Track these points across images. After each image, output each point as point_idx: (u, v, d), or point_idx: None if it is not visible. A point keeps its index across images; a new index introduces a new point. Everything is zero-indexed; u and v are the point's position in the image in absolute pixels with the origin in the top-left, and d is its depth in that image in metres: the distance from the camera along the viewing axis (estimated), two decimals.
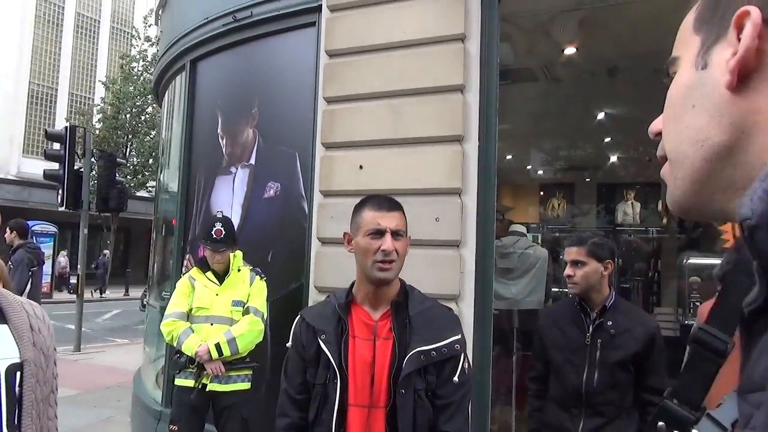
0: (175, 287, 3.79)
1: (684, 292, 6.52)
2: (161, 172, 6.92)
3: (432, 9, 3.43)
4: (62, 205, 9.78)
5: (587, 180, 9.58)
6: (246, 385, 3.53)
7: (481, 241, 3.30)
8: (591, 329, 2.43)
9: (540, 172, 9.50)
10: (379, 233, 1.72)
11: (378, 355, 1.71)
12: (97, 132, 20.06)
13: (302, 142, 3.97)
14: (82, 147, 10.46)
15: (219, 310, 3.49)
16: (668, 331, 6.16)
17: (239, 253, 3.64)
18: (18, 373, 1.08)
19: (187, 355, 3.42)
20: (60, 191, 9.76)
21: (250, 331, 3.43)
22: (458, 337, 1.75)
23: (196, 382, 3.45)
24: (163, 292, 5.50)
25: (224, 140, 4.63)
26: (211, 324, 3.47)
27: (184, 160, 5.06)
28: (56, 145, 10.08)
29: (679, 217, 0.59)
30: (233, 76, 4.73)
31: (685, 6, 0.62)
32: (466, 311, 3.17)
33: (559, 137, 8.12)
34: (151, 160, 20.28)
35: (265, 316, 3.53)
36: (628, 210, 8.80)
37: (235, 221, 4.03)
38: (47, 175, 10.03)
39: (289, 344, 1.84)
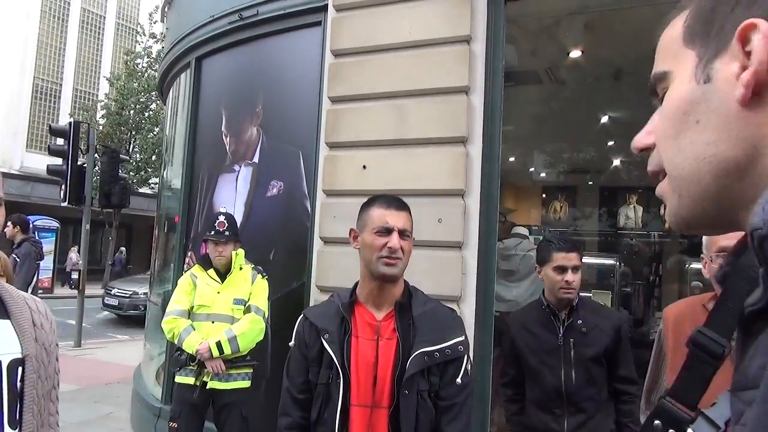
0: (176, 284, 3.80)
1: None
2: (164, 169, 6.93)
3: (438, 10, 3.43)
4: (65, 201, 9.80)
5: (590, 183, 9.57)
6: (246, 384, 3.53)
7: (484, 243, 3.30)
8: (562, 330, 2.47)
9: (542, 174, 9.49)
10: (386, 231, 1.73)
11: (381, 356, 1.71)
12: (101, 128, 20.07)
13: (306, 141, 3.98)
14: (85, 143, 10.48)
15: (220, 308, 3.50)
16: None
17: (241, 252, 3.64)
18: (20, 369, 1.08)
19: (188, 353, 3.43)
20: (63, 186, 9.77)
21: (251, 330, 3.43)
22: (462, 338, 1.75)
23: (196, 379, 3.45)
24: (159, 290, 5.51)
25: (228, 138, 4.64)
26: (212, 322, 3.48)
27: (188, 158, 5.07)
28: (60, 141, 10.10)
29: (682, 232, 0.59)
30: (238, 74, 4.74)
31: None
32: (467, 313, 3.17)
33: (562, 140, 8.11)
34: (154, 157, 20.27)
35: (266, 315, 3.53)
36: (631, 214, 8.80)
37: (238, 219, 4.04)
38: (51, 170, 10.06)
39: (291, 343, 1.84)
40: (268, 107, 4.37)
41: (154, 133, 20.74)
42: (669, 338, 2.00)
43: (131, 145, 21.22)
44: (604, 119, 6.80)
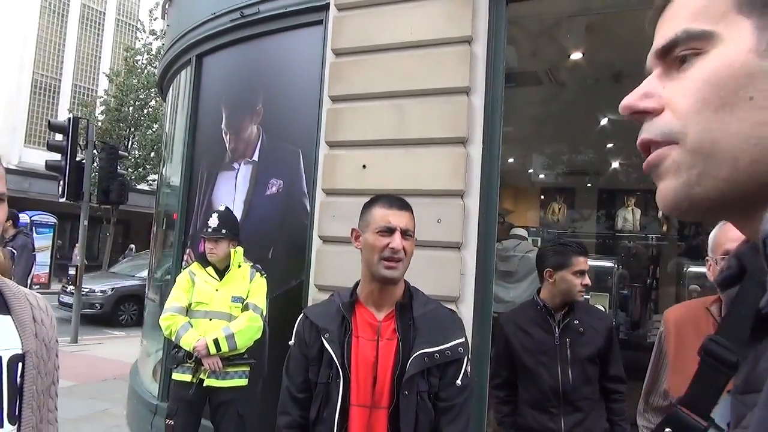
0: (174, 282, 3.80)
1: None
2: (163, 166, 6.92)
3: (440, 10, 3.43)
4: (63, 197, 9.78)
5: (588, 185, 9.59)
6: (243, 382, 3.53)
7: (483, 244, 3.30)
8: (559, 329, 2.50)
9: (541, 176, 9.50)
10: (388, 231, 1.73)
11: (381, 356, 1.71)
12: (100, 124, 20.04)
13: (306, 139, 3.98)
14: (84, 138, 10.45)
15: (218, 306, 3.50)
16: None
17: (240, 249, 3.64)
18: (20, 364, 1.08)
19: (185, 350, 3.42)
20: (61, 182, 9.75)
21: (248, 328, 3.43)
22: (462, 340, 1.75)
23: (193, 377, 3.45)
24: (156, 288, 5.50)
25: (228, 136, 4.64)
26: (210, 319, 3.48)
27: (187, 155, 5.06)
28: (59, 136, 10.07)
29: (677, 214, 0.55)
30: (239, 72, 4.73)
31: None
32: (465, 313, 3.17)
33: (561, 141, 8.12)
34: (152, 154, 20.25)
35: (264, 313, 3.53)
36: (629, 216, 8.81)
37: (237, 217, 4.04)
38: (49, 165, 10.03)
39: (291, 342, 1.84)
40: (268, 105, 4.37)
41: (153, 129, 20.71)
42: (670, 341, 2.00)
43: (130, 142, 21.18)
44: (604, 121, 6.81)
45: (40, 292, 1.26)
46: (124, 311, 12.61)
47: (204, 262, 3.62)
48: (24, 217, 17.37)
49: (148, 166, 20.70)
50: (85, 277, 12.44)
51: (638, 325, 7.37)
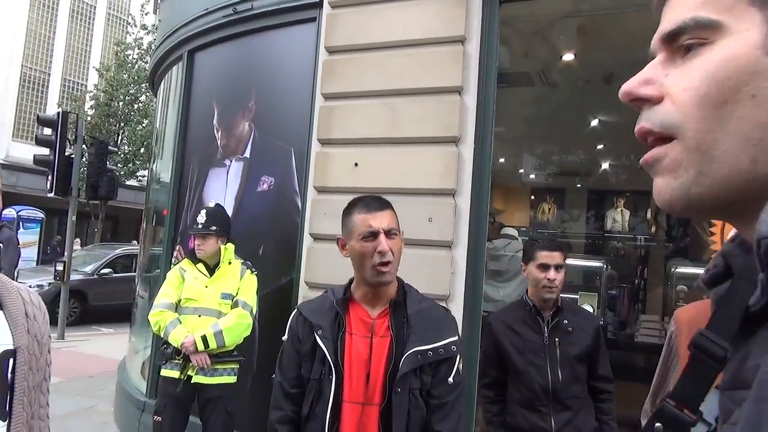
0: (164, 278, 3.78)
1: (670, 299, 6.59)
2: (154, 162, 6.88)
3: (433, 10, 3.44)
4: (51, 191, 9.69)
5: (578, 186, 9.65)
6: (232, 379, 3.52)
7: (473, 243, 3.32)
8: (548, 329, 2.53)
9: (532, 176, 9.55)
10: (372, 235, 1.72)
11: (374, 353, 1.71)
12: (89, 119, 19.87)
13: (298, 137, 3.97)
14: (73, 133, 10.37)
15: (207, 302, 3.48)
16: (653, 339, 6.22)
17: (231, 246, 3.62)
18: (11, 360, 1.07)
19: (174, 346, 3.41)
20: (49, 177, 9.67)
21: (237, 325, 3.42)
22: (455, 338, 1.76)
23: (181, 373, 3.44)
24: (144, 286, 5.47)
25: (219, 132, 4.62)
26: (199, 316, 3.46)
27: (178, 151, 5.04)
28: (47, 131, 9.99)
29: (674, 212, 0.55)
30: (231, 68, 4.72)
31: None
32: (455, 311, 3.18)
33: (552, 142, 8.17)
34: (142, 149, 20.12)
35: (254, 310, 3.52)
36: (618, 217, 8.87)
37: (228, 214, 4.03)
38: (38, 160, 9.94)
39: (284, 338, 1.84)
40: (260, 102, 4.35)
41: (143, 125, 20.56)
42: (682, 341, 1.99)
43: (119, 137, 21.02)
44: (594, 123, 6.86)
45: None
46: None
47: (194, 258, 3.61)
48: (11, 212, 17.23)
49: (137, 162, 20.56)
50: (24, 271, 11.72)
51: (626, 325, 7.43)
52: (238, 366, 3.55)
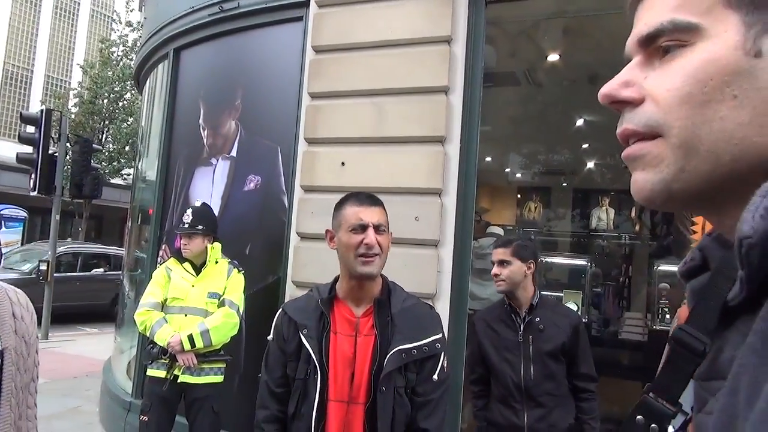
0: (150, 277, 3.76)
1: (653, 297, 6.67)
2: (139, 161, 6.83)
3: (419, 10, 3.46)
4: (34, 190, 9.58)
5: (564, 185, 9.72)
6: (219, 378, 3.51)
7: (459, 242, 3.34)
8: (522, 327, 2.60)
9: (518, 175, 9.61)
10: (361, 228, 1.74)
11: (359, 352, 1.73)
12: (73, 117, 19.64)
13: (285, 136, 3.97)
14: (57, 131, 10.25)
15: (194, 302, 3.47)
16: (637, 336, 6.30)
17: (217, 245, 3.62)
18: None
19: (160, 346, 3.40)
20: (33, 175, 9.56)
21: (224, 324, 3.41)
22: (439, 336, 1.78)
23: (168, 373, 3.42)
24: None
25: (206, 131, 4.60)
26: (186, 315, 3.45)
27: (164, 150, 5.01)
28: (31, 128, 9.86)
29: (651, 206, 0.55)
30: (217, 67, 4.70)
31: None
32: (441, 310, 3.20)
33: (538, 141, 8.23)
34: (127, 147, 19.93)
35: (240, 310, 3.52)
36: (603, 216, 8.95)
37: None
38: (20, 158, 9.82)
39: (270, 337, 1.85)
40: (247, 101, 4.34)
41: (128, 123, 20.37)
42: None
43: (104, 135, 20.81)
44: (579, 122, 6.92)
45: None
46: None
47: (180, 257, 3.60)
48: None
49: (122, 160, 20.37)
50: None
51: (610, 322, 7.51)
52: (225, 365, 3.54)
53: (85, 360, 8.08)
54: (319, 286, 1.87)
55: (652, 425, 0.56)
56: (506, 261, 2.60)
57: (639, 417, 0.57)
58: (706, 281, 0.56)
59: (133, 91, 19.34)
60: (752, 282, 0.46)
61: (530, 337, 2.56)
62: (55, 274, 10.22)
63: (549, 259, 7.52)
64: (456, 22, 3.41)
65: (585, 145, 8.05)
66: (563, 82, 5.91)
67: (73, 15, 26.42)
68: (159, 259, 4.73)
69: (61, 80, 25.40)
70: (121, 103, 20.90)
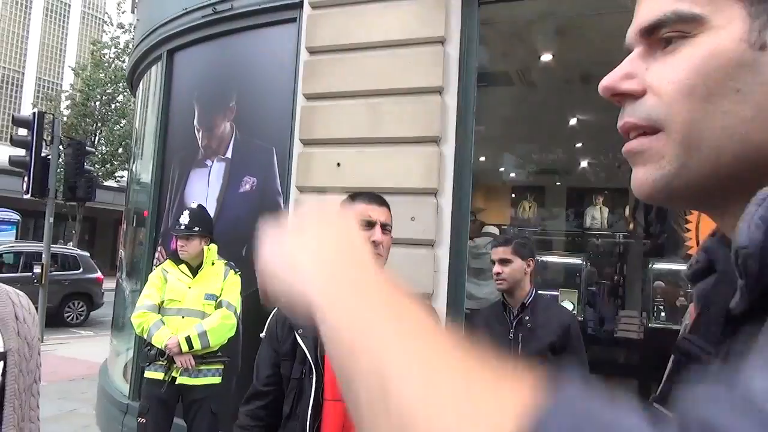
0: (146, 279, 3.76)
1: (648, 296, 6.71)
2: (134, 163, 6.81)
3: (413, 11, 3.47)
4: (27, 193, 9.53)
5: (558, 184, 9.76)
6: (216, 380, 3.51)
7: (455, 242, 3.36)
8: (513, 325, 2.64)
9: (512, 174, 9.64)
10: (369, 225, 1.76)
11: None
12: (66, 119, 19.56)
13: (280, 137, 3.97)
14: (49, 134, 10.20)
15: (191, 303, 3.48)
16: (632, 334, 6.32)
17: (214, 247, 3.62)
18: (1, 363, 1.07)
19: (158, 348, 3.40)
20: (26, 178, 9.51)
21: (221, 325, 3.42)
22: None
23: (165, 374, 3.42)
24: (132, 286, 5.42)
25: (200, 133, 4.60)
26: (183, 317, 3.46)
27: (159, 152, 5.00)
28: (23, 131, 9.82)
29: (651, 201, 0.54)
30: (212, 68, 4.70)
31: None
32: (438, 310, 3.22)
33: (532, 141, 8.25)
34: (120, 150, 19.88)
35: (237, 311, 3.52)
36: (597, 214, 8.99)
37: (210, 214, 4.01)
38: (13, 161, 9.77)
39: (262, 335, 1.86)
40: (241, 103, 4.34)
41: (121, 125, 20.32)
42: None
43: (97, 137, 20.73)
44: (573, 122, 6.95)
45: None
46: None
47: (177, 259, 3.60)
48: None
49: (116, 162, 20.31)
50: None
51: (605, 320, 7.54)
52: (222, 367, 3.55)
53: (81, 362, 8.05)
54: None
55: None
56: (507, 259, 2.64)
57: None
58: (710, 287, 0.55)
59: (125, 93, 19.30)
60: (752, 292, 0.45)
61: (520, 335, 2.59)
62: None
63: (544, 258, 7.54)
64: (449, 23, 3.42)
65: (579, 145, 8.09)
66: (557, 82, 5.93)
67: (64, 17, 26.32)
68: (155, 261, 4.72)
69: (53, 83, 25.29)
70: (113, 105, 20.85)
